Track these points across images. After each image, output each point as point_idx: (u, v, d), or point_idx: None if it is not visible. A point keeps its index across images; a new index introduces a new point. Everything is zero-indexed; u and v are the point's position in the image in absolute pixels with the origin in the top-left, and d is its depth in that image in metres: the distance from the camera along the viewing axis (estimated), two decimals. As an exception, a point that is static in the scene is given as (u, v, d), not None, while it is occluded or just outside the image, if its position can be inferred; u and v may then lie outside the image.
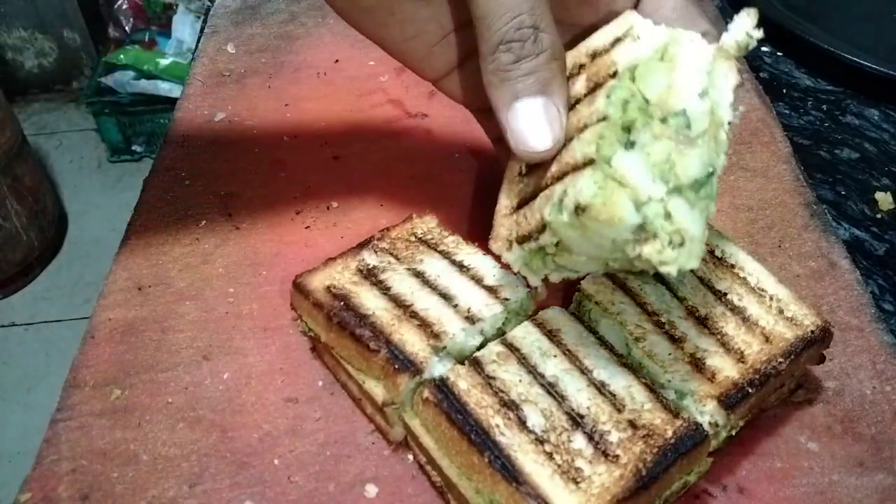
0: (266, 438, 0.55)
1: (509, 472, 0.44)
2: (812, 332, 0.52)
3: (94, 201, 2.58)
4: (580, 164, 0.41)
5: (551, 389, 0.49)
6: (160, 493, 0.52)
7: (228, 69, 0.91)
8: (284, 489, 0.52)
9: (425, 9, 0.50)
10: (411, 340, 0.51)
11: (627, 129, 0.41)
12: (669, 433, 0.46)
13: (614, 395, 0.49)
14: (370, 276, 0.56)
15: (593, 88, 0.44)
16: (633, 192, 0.39)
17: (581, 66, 0.47)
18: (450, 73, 0.54)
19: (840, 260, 0.67)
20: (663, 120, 0.41)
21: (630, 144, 0.41)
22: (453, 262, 0.57)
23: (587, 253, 0.44)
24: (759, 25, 0.43)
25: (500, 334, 0.53)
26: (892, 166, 0.81)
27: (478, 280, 0.56)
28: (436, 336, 0.52)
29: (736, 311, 0.53)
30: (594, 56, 0.46)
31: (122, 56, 2.52)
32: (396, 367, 0.50)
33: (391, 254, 0.58)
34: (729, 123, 0.43)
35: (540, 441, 0.46)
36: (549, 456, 0.45)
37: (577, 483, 0.44)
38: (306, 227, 0.71)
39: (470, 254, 0.58)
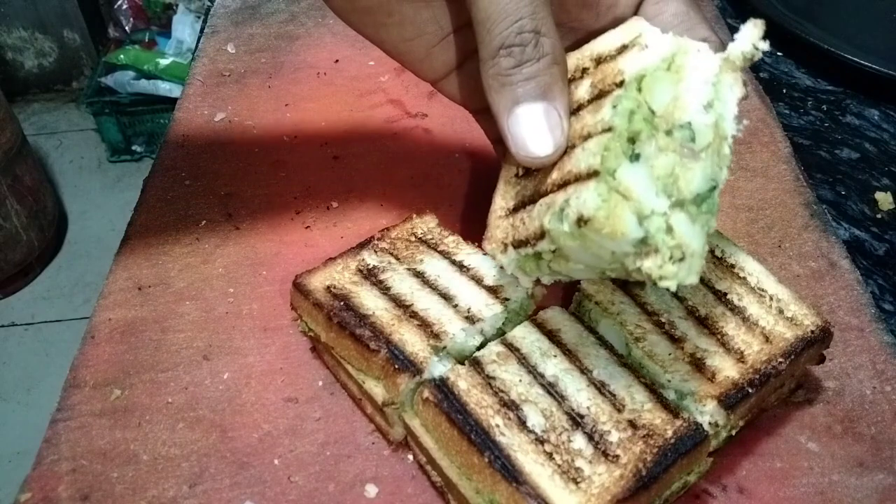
0: (266, 438, 0.55)
1: (509, 472, 0.44)
2: (812, 332, 0.52)
3: (94, 201, 2.58)
4: (584, 174, 0.41)
5: (551, 389, 0.49)
6: (160, 493, 0.52)
7: (228, 69, 0.91)
8: (284, 489, 0.52)
9: (424, 10, 0.50)
10: (411, 340, 0.51)
11: (632, 140, 0.41)
12: (669, 433, 0.46)
13: (614, 395, 0.49)
14: (370, 276, 0.56)
15: (598, 95, 0.44)
16: (636, 206, 0.39)
17: (584, 70, 0.46)
18: (449, 75, 0.54)
19: (840, 260, 0.67)
20: (668, 132, 0.41)
21: (635, 157, 0.40)
22: (453, 262, 0.57)
23: (585, 262, 0.44)
24: (765, 37, 0.42)
25: (500, 334, 0.53)
26: (892, 166, 0.81)
27: (478, 280, 0.56)
28: (436, 336, 0.52)
29: (736, 311, 0.53)
30: (599, 61, 0.46)
31: (122, 56, 2.52)
32: (396, 367, 0.50)
33: (391, 254, 0.58)
34: (732, 137, 0.43)
35: (540, 441, 0.46)
36: (549, 456, 0.45)
37: (577, 483, 0.44)
38: (306, 227, 0.71)
39: (470, 254, 0.58)
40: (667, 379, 0.50)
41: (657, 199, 0.40)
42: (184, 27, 2.58)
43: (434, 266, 0.57)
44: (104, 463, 0.53)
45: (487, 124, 0.56)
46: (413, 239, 0.60)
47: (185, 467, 0.53)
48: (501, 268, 0.50)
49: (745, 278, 0.56)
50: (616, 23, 0.47)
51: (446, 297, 0.54)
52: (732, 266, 0.57)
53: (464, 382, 0.49)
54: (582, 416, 0.47)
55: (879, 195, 0.77)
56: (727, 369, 0.50)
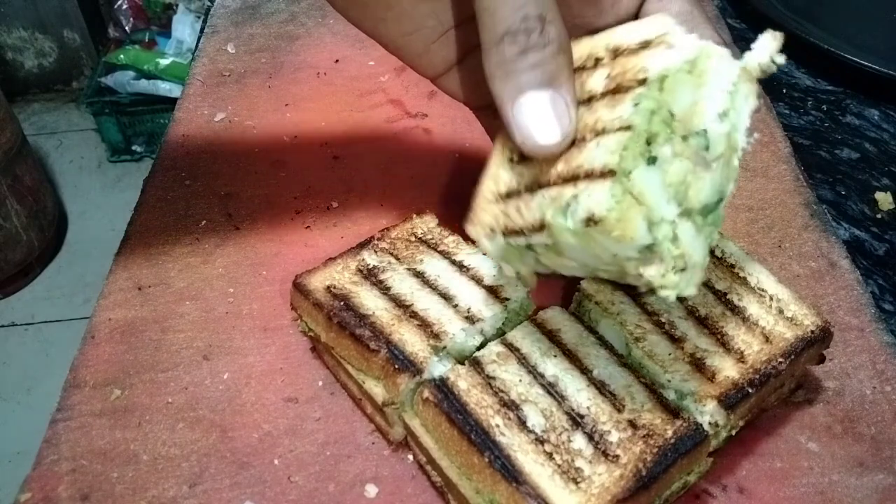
0: (266, 438, 0.55)
1: (509, 472, 0.44)
2: (812, 332, 0.52)
3: (94, 201, 2.58)
4: (597, 172, 0.39)
5: (551, 389, 0.49)
6: (160, 493, 0.52)
7: (228, 69, 0.91)
8: (284, 489, 0.52)
9: (423, 5, 0.49)
10: (411, 340, 0.51)
11: (648, 142, 0.39)
12: (669, 433, 0.46)
13: (614, 395, 0.49)
14: (370, 276, 0.56)
15: (616, 90, 0.42)
16: (648, 211, 0.38)
17: (598, 60, 0.44)
18: (449, 71, 0.53)
19: (840, 260, 0.67)
20: (685, 137, 0.40)
21: (651, 160, 0.39)
22: (453, 262, 0.57)
23: (580, 260, 0.43)
24: (782, 50, 0.42)
25: (500, 334, 0.53)
26: (892, 166, 0.81)
27: (478, 280, 0.56)
28: (436, 336, 0.52)
29: (736, 311, 0.53)
30: (617, 53, 0.44)
31: (122, 56, 2.52)
32: (396, 367, 0.50)
33: (391, 254, 0.58)
34: (742, 150, 0.42)
35: (540, 441, 0.46)
36: (549, 456, 0.45)
37: (577, 483, 0.44)
38: (306, 227, 0.71)
39: (470, 254, 0.58)
40: (667, 379, 0.50)
41: (668, 207, 0.39)
42: (184, 27, 2.58)
43: (434, 266, 0.57)
44: (104, 463, 0.53)
45: (488, 121, 0.56)
46: (413, 239, 0.60)
47: (185, 467, 0.53)
48: (495, 258, 0.47)
49: (745, 278, 0.56)
50: (619, 21, 0.47)
51: (446, 297, 0.54)
52: (732, 266, 0.57)
53: (464, 382, 0.49)
54: (582, 416, 0.47)
55: (879, 195, 0.77)
56: (727, 369, 0.50)
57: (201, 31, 1.01)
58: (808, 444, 0.54)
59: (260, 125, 0.83)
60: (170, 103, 2.37)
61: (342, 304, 0.54)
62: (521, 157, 0.45)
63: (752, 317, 0.53)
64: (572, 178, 0.40)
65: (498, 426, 0.46)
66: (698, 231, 0.40)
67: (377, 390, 0.52)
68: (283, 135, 0.82)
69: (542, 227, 0.41)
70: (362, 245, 0.59)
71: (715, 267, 0.56)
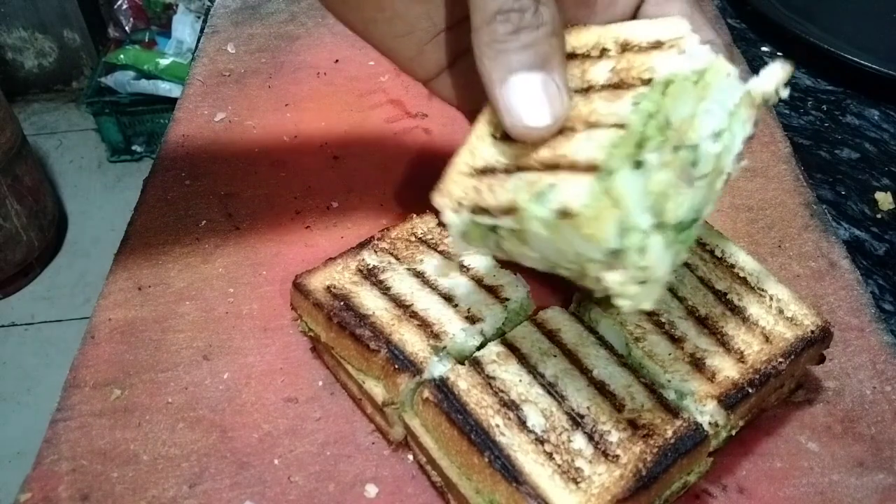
0: (266, 438, 0.55)
1: (509, 472, 0.44)
2: (812, 332, 0.52)
3: (94, 201, 2.58)
4: (581, 165, 0.37)
5: (551, 389, 0.49)
6: (160, 493, 0.52)
7: (228, 69, 0.91)
8: (284, 489, 0.52)
9: (417, 6, 0.49)
10: (411, 340, 0.51)
11: (639, 145, 0.38)
12: (669, 433, 0.46)
13: (614, 395, 0.49)
14: (370, 276, 0.56)
15: (618, 85, 0.41)
16: (622, 216, 0.37)
17: (604, 51, 0.43)
18: (441, 74, 0.53)
19: (840, 260, 0.67)
20: (676, 148, 0.39)
21: (637, 164, 0.38)
22: (453, 262, 0.57)
23: (542, 252, 0.41)
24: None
25: (500, 334, 0.53)
26: (892, 166, 0.81)
27: (478, 280, 0.56)
28: (436, 336, 0.52)
29: (736, 311, 0.53)
30: (625, 48, 0.43)
31: (122, 56, 2.52)
32: (396, 367, 0.50)
33: (391, 254, 0.58)
34: (728, 175, 0.41)
35: (540, 441, 0.46)
36: (549, 456, 0.45)
37: (577, 483, 0.44)
38: (306, 227, 0.71)
39: (470, 254, 0.58)
40: (667, 379, 0.50)
41: (643, 216, 0.38)
42: (184, 27, 2.58)
43: (434, 266, 0.57)
44: (104, 463, 0.53)
45: None
46: (413, 239, 0.60)
47: (185, 467, 0.53)
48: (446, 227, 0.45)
49: (745, 278, 0.56)
50: (613, 23, 0.47)
51: (446, 297, 0.54)
52: (732, 266, 0.57)
53: (464, 382, 0.49)
54: (582, 416, 0.47)
55: (879, 195, 0.77)
56: (727, 369, 0.50)
57: (201, 31, 1.01)
58: (808, 444, 0.54)
59: (260, 125, 0.83)
60: (170, 103, 2.37)
61: (342, 304, 0.54)
62: (504, 136, 0.43)
63: (752, 317, 0.53)
64: (553, 167, 0.39)
65: (498, 426, 0.46)
66: (668, 246, 0.39)
67: (377, 390, 0.52)
68: (283, 135, 0.82)
69: (512, 210, 0.39)
70: (362, 245, 0.59)
71: (715, 267, 0.56)
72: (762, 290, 0.55)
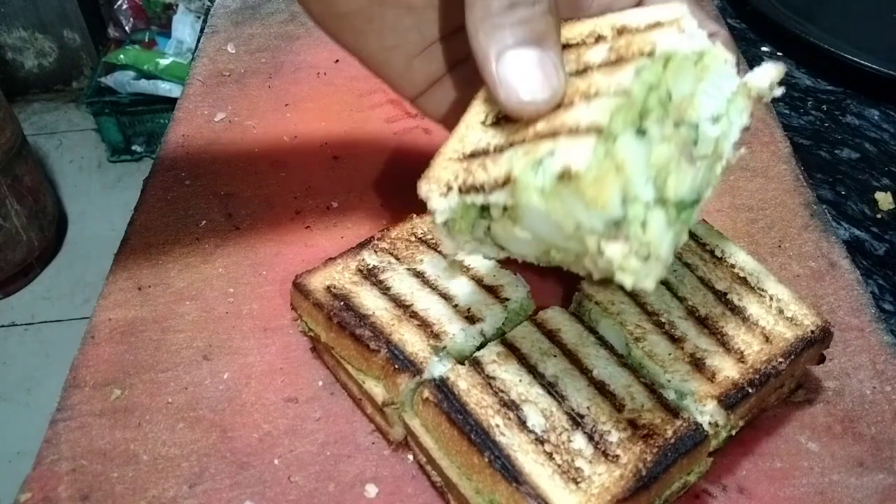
0: (266, 438, 0.55)
1: (509, 472, 0.44)
2: (812, 332, 0.52)
3: (94, 201, 2.58)
4: (583, 128, 0.36)
5: (551, 389, 0.49)
6: (160, 493, 0.52)
7: (228, 69, 0.91)
8: (284, 489, 0.52)
9: (407, 17, 0.48)
10: (411, 340, 0.51)
11: (641, 117, 0.38)
12: (669, 433, 0.46)
13: (614, 395, 0.49)
14: (370, 276, 0.56)
15: (617, 60, 0.40)
16: (625, 183, 0.36)
17: (600, 37, 0.43)
18: (429, 89, 0.52)
19: (840, 260, 0.67)
20: (676, 124, 0.39)
21: (641, 132, 0.37)
22: (454, 262, 0.57)
23: (537, 232, 0.39)
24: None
25: (500, 334, 0.53)
26: (892, 166, 0.81)
27: (478, 280, 0.56)
28: (436, 336, 0.52)
29: (736, 311, 0.53)
30: (622, 32, 0.42)
31: (122, 56, 2.52)
32: (396, 367, 0.50)
33: (391, 254, 0.58)
34: (727, 161, 0.41)
35: (540, 441, 0.46)
36: (549, 456, 0.45)
37: (577, 483, 0.44)
38: (306, 227, 0.71)
39: (459, 254, 0.58)
40: (667, 379, 0.50)
41: (646, 186, 0.37)
42: (184, 27, 2.58)
43: (434, 266, 0.57)
44: (104, 463, 0.53)
45: None
46: (413, 239, 0.60)
47: (185, 467, 0.53)
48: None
49: (745, 278, 0.56)
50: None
51: (446, 297, 0.55)
52: (732, 266, 0.57)
53: (464, 382, 0.49)
54: (582, 416, 0.47)
55: (879, 195, 0.77)
56: (727, 369, 0.50)
57: (201, 31, 1.01)
58: (808, 444, 0.54)
59: (260, 125, 0.83)
60: (170, 103, 2.37)
61: (342, 304, 0.54)
62: (495, 121, 0.43)
63: (752, 317, 0.53)
64: (551, 135, 0.38)
65: (498, 426, 0.46)
66: (669, 225, 0.39)
67: (377, 390, 0.52)
68: (283, 135, 0.82)
69: (506, 181, 0.38)
70: (362, 245, 0.59)
71: (715, 267, 0.56)
72: (762, 290, 0.55)
